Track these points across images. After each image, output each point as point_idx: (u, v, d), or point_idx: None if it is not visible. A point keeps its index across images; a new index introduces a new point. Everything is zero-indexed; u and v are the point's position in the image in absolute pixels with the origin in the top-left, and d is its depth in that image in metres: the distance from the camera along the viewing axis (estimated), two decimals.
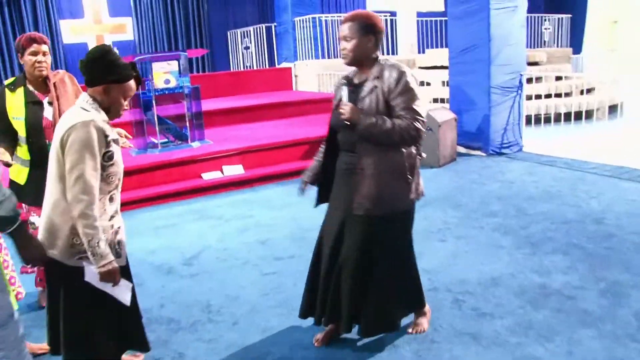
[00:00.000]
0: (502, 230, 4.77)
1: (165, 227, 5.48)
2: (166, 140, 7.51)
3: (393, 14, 12.81)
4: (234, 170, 6.97)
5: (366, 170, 2.74)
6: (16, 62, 11.22)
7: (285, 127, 8.61)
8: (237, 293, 3.88)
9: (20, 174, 3.54)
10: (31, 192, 3.41)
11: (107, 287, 2.39)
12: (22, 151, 3.51)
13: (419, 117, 2.69)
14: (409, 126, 2.65)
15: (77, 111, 2.37)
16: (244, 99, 10.32)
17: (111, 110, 2.43)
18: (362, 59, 2.78)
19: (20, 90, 3.48)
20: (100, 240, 2.26)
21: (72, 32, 12.30)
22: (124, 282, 2.41)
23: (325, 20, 11.94)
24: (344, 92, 2.78)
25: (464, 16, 7.65)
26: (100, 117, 2.36)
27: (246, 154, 7.20)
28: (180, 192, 6.46)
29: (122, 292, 2.43)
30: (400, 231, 2.96)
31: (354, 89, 2.81)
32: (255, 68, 13.24)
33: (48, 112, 3.52)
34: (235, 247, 4.78)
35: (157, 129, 7.26)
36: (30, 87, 3.51)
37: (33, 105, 3.45)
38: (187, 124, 7.46)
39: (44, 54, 3.45)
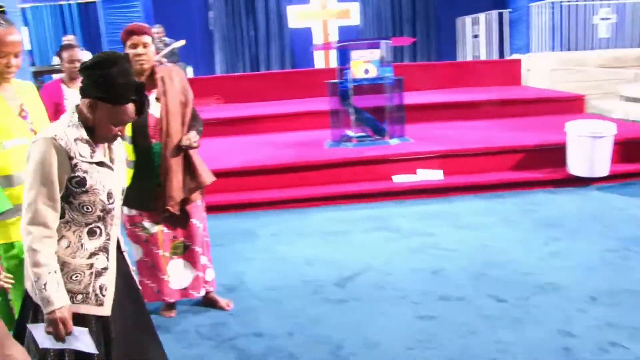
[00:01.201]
0: None
1: (335, 233, 4.94)
2: (363, 134, 6.98)
3: None
4: (431, 175, 6.15)
5: None
6: (248, 50, 11.71)
7: (503, 129, 7.47)
8: (378, 338, 3.14)
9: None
10: (135, 195, 3.18)
11: (58, 344, 1.91)
12: (128, 151, 3.27)
13: None
14: None
15: (54, 123, 2.01)
16: (462, 94, 9.35)
17: (96, 132, 1.97)
18: None
19: None
20: (47, 282, 1.84)
21: (297, 17, 12.47)
22: (77, 330, 1.91)
23: (568, 6, 10.26)
24: None
25: None
26: (74, 134, 1.93)
27: (448, 158, 6.32)
28: (364, 194, 5.87)
29: (80, 342, 1.93)
30: None
31: None
32: (483, 59, 12.07)
33: (154, 109, 3.22)
34: (400, 273, 4.02)
35: (353, 121, 6.77)
36: None
37: None
38: (387, 119, 6.83)
39: (145, 45, 3.14)
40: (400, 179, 6.08)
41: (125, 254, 2.21)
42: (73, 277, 1.97)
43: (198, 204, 3.48)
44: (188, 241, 3.48)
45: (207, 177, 3.35)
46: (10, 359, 1.52)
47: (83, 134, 1.95)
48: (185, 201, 3.34)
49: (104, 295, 2.02)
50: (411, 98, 7.70)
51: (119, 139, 2.10)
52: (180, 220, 3.41)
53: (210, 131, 8.13)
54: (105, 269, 2.03)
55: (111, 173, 2.03)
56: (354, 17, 13.02)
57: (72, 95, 4.34)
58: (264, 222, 5.37)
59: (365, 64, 6.46)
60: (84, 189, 1.93)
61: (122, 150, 2.22)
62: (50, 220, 1.88)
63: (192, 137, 3.21)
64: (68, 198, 1.94)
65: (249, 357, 3.05)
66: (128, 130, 3.21)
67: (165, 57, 8.58)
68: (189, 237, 3.47)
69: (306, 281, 3.97)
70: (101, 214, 2.00)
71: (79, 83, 4.39)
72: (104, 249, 2.03)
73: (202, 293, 3.61)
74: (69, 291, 1.95)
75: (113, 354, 2.06)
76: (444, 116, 8.24)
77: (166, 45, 8.68)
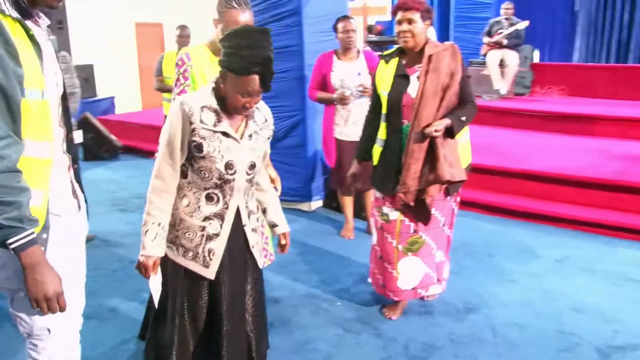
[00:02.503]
0: None
1: (633, 280, 3.88)
2: None
3: None
4: None
5: None
6: (617, 36, 10.11)
7: None
8: None
9: (375, 154, 3.23)
10: (379, 175, 3.16)
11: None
12: (381, 129, 3.17)
13: None
14: None
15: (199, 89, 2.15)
16: None
17: (227, 102, 2.03)
18: None
19: (393, 62, 3.09)
20: (149, 230, 2.05)
21: None
22: (155, 278, 2.12)
23: None
24: None
25: None
26: (203, 102, 2.03)
27: None
28: None
29: (152, 286, 2.13)
30: None
31: None
32: None
33: (413, 89, 2.98)
34: None
35: None
36: (404, 60, 3.06)
37: (399, 80, 3.02)
38: None
39: (410, 21, 2.93)
40: None
41: (245, 227, 2.21)
42: (186, 235, 2.11)
43: (447, 198, 3.15)
44: (425, 234, 3.17)
45: (449, 173, 2.90)
46: (41, 285, 1.51)
47: (212, 102, 2.04)
48: (423, 192, 2.99)
49: (210, 259, 2.13)
50: None
51: (265, 117, 2.19)
52: (420, 213, 3.09)
53: (536, 125, 7.35)
54: (217, 235, 2.12)
55: (237, 146, 2.06)
56: None
57: (342, 68, 4.27)
58: (551, 242, 4.56)
59: None
60: (201, 155, 2.02)
61: (266, 127, 2.20)
62: (167, 177, 2.06)
63: (437, 125, 2.86)
64: (190, 160, 2.06)
65: None
66: (384, 106, 3.10)
67: (507, 38, 7.97)
68: (425, 230, 3.17)
69: (562, 332, 3.20)
70: (218, 182, 2.07)
71: (351, 55, 4.32)
72: (219, 217, 2.12)
73: (432, 291, 3.31)
74: (182, 246, 2.12)
75: (223, 318, 2.17)
76: None
77: (511, 24, 8.02)
